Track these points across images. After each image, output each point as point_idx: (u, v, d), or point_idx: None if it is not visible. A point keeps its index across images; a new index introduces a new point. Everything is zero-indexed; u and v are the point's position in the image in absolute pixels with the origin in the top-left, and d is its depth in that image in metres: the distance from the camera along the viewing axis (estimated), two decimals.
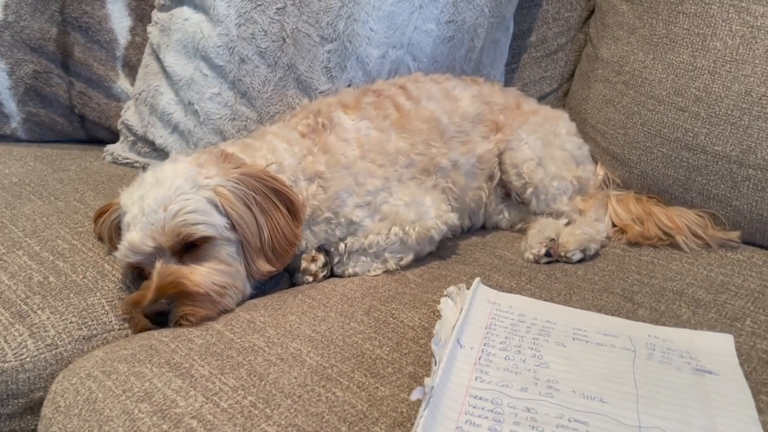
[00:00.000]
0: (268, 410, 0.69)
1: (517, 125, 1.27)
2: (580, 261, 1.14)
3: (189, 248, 0.92)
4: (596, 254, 1.17)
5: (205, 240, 0.92)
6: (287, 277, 1.10)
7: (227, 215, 0.94)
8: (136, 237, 0.90)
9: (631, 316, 0.93)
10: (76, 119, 1.51)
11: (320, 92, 1.30)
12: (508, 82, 1.57)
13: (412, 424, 0.64)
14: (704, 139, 1.21)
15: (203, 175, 0.95)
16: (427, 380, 0.68)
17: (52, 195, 1.20)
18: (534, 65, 1.59)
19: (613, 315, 0.93)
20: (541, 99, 1.54)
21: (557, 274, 1.08)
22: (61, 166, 1.35)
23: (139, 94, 1.38)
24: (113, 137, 1.49)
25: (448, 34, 1.36)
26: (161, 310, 0.87)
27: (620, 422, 0.67)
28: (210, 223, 0.91)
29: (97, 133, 1.53)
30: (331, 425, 0.67)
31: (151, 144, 1.37)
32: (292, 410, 0.70)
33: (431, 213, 1.10)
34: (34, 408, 0.83)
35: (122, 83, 1.49)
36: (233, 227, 0.94)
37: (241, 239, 0.95)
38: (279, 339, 0.84)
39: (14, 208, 1.12)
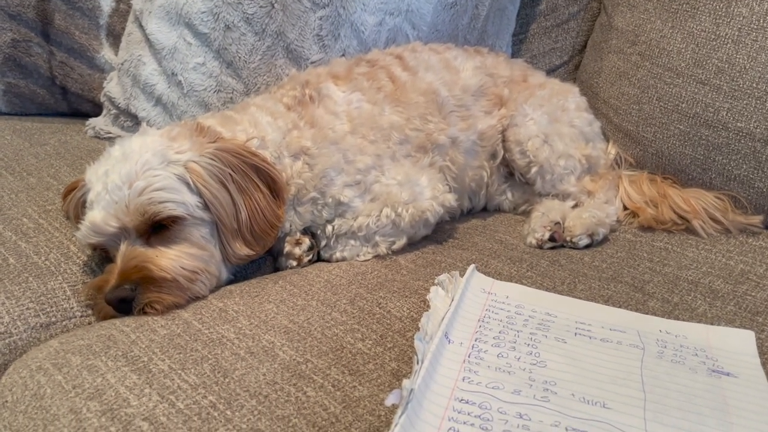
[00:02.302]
0: (228, 412, 0.62)
1: (522, 99, 1.19)
2: (587, 246, 1.06)
3: (157, 229, 0.84)
4: (605, 239, 1.09)
5: (174, 220, 0.84)
6: (271, 261, 1.03)
7: (200, 193, 0.86)
8: (98, 216, 0.82)
9: (640, 308, 0.86)
10: (58, 91, 1.43)
11: (311, 62, 1.21)
12: (515, 54, 1.48)
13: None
14: (726, 114, 1.11)
15: (174, 150, 0.87)
16: (405, 382, 0.60)
17: (25, 170, 1.13)
18: (543, 35, 1.49)
19: (621, 307, 0.85)
20: (551, 72, 1.45)
21: (561, 260, 1.00)
22: (40, 141, 1.28)
23: (122, 64, 1.30)
24: (97, 110, 1.42)
25: (450, 0, 1.27)
26: (124, 296, 0.80)
27: (624, 431, 0.59)
28: (179, 201, 0.84)
29: (80, 106, 1.46)
30: (298, 430, 0.60)
31: (134, 117, 1.30)
32: (255, 412, 0.62)
33: (426, 193, 1.02)
34: None
35: (106, 53, 1.41)
36: (206, 207, 0.87)
37: (216, 220, 0.88)
38: (251, 330, 0.77)
39: None
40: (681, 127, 1.17)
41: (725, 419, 0.63)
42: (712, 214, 1.10)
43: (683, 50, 1.16)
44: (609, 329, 0.77)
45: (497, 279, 0.90)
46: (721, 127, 1.12)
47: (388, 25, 1.24)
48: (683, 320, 0.83)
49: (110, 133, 1.35)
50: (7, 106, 1.41)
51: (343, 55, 1.22)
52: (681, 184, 1.18)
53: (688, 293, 0.91)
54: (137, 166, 0.83)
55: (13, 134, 1.30)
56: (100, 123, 1.37)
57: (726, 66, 1.11)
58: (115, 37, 1.41)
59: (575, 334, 0.76)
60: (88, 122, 1.39)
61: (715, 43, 1.13)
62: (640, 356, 0.72)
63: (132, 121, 1.32)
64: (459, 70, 1.16)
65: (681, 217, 1.12)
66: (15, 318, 0.80)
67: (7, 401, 0.69)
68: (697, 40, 1.15)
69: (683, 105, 1.16)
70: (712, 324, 0.82)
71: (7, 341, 0.78)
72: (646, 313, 0.84)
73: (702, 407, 0.64)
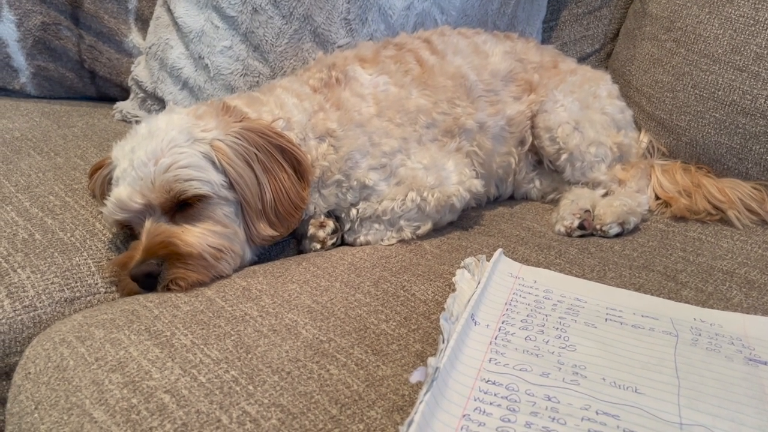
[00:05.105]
0: (251, 387, 0.61)
1: (552, 85, 1.16)
2: (617, 235, 1.04)
3: (182, 207, 0.84)
4: (636, 229, 1.06)
5: (199, 198, 0.83)
6: (294, 243, 1.02)
7: (225, 172, 0.85)
8: (123, 192, 0.82)
9: (673, 297, 0.83)
10: (86, 74, 1.44)
11: (338, 46, 1.20)
12: (545, 41, 1.45)
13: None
14: (764, 102, 1.08)
15: (200, 128, 0.86)
16: (430, 360, 0.59)
17: (53, 151, 1.13)
18: (575, 23, 1.46)
19: (653, 295, 0.83)
20: (582, 60, 1.42)
21: (591, 248, 0.98)
22: (68, 123, 1.29)
23: (150, 47, 1.30)
24: (125, 94, 1.43)
25: None
26: (149, 271, 0.79)
27: (657, 417, 0.57)
28: (205, 179, 0.83)
29: (108, 90, 1.47)
30: (321, 407, 0.59)
31: (161, 101, 1.30)
32: (278, 388, 0.61)
33: (453, 178, 1.00)
34: (9, 373, 0.77)
35: (134, 37, 1.42)
36: (231, 186, 0.86)
37: (240, 200, 0.87)
38: (274, 309, 0.76)
39: (11, 163, 1.06)
40: (717, 115, 1.13)
41: (764, 408, 0.60)
42: (748, 205, 1.07)
43: (720, 36, 1.13)
44: (641, 316, 0.75)
45: (525, 265, 0.88)
46: (759, 115, 1.08)
47: (417, 9, 1.22)
48: (718, 309, 0.80)
49: (137, 116, 1.35)
50: (36, 89, 1.42)
51: (370, 39, 1.21)
52: (716, 174, 1.15)
53: (722, 283, 0.88)
54: (163, 143, 0.83)
55: (42, 116, 1.31)
56: (127, 106, 1.38)
57: (765, 52, 1.08)
58: (143, 22, 1.41)
59: (606, 319, 0.74)
60: (115, 106, 1.39)
61: (753, 28, 1.09)
62: (674, 343, 0.70)
63: (159, 105, 1.32)
64: (488, 54, 1.14)
65: (715, 207, 1.09)
66: (40, 292, 0.80)
67: (30, 373, 0.68)
68: (735, 25, 1.11)
69: (720, 92, 1.13)
70: (748, 314, 0.79)
71: (31, 314, 0.78)
72: (680, 302, 0.81)
73: (739, 395, 0.62)
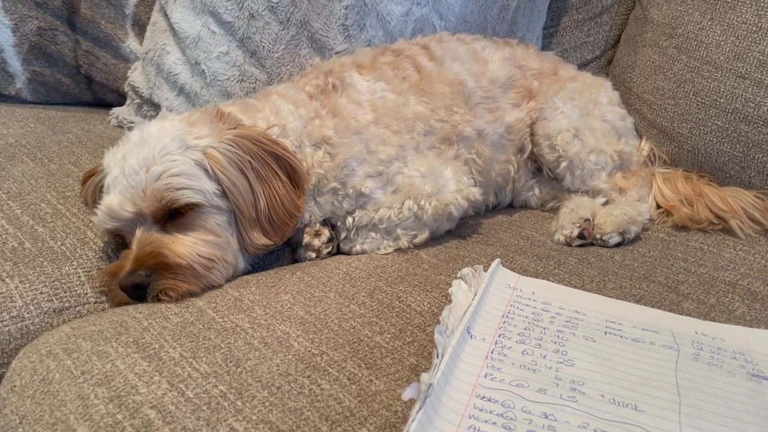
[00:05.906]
0: (239, 402, 0.60)
1: (552, 92, 1.15)
2: (617, 245, 1.02)
3: (174, 215, 0.83)
4: (637, 238, 1.05)
5: (191, 207, 0.82)
6: (289, 252, 1.01)
7: (218, 180, 0.84)
8: (114, 201, 0.81)
9: (674, 309, 0.81)
10: (83, 80, 1.43)
11: (336, 52, 1.19)
12: (545, 47, 1.44)
13: None
14: (767, 110, 1.06)
15: (193, 135, 0.85)
16: (424, 376, 0.57)
17: (47, 157, 1.12)
18: (575, 29, 1.45)
19: (653, 307, 0.81)
20: (583, 66, 1.41)
21: (591, 258, 0.96)
22: (63, 129, 1.27)
23: (146, 53, 1.29)
24: (121, 100, 1.41)
25: None
26: (139, 282, 0.78)
27: None
28: (197, 188, 0.82)
29: (104, 96, 1.46)
30: (310, 424, 0.57)
31: (157, 107, 1.28)
32: (267, 404, 0.60)
33: (451, 186, 0.99)
34: None
35: (131, 43, 1.41)
36: (224, 194, 0.85)
37: (234, 208, 0.86)
38: (266, 320, 0.74)
39: (3, 170, 1.05)
40: (719, 122, 1.12)
41: (766, 426, 0.58)
42: (751, 214, 1.06)
43: (722, 43, 1.12)
44: (641, 329, 0.73)
45: (523, 275, 0.86)
46: (761, 123, 1.07)
47: (415, 15, 1.21)
48: (720, 322, 0.78)
49: (133, 122, 1.33)
50: (32, 94, 1.41)
51: (368, 45, 1.20)
52: (718, 183, 1.13)
53: (725, 295, 0.86)
54: (155, 151, 0.82)
55: (37, 122, 1.29)
56: (123, 112, 1.36)
57: None
58: (140, 27, 1.40)
59: (605, 332, 0.72)
60: (111, 111, 1.38)
61: (756, 35, 1.08)
62: (675, 358, 0.68)
63: (155, 111, 1.31)
64: (487, 60, 1.12)
65: (718, 216, 1.07)
66: (28, 302, 0.78)
67: (15, 386, 0.67)
68: (738, 32, 1.10)
69: (722, 100, 1.11)
70: (751, 327, 0.77)
71: (19, 325, 0.77)
72: (681, 314, 0.80)
73: (741, 412, 0.60)
